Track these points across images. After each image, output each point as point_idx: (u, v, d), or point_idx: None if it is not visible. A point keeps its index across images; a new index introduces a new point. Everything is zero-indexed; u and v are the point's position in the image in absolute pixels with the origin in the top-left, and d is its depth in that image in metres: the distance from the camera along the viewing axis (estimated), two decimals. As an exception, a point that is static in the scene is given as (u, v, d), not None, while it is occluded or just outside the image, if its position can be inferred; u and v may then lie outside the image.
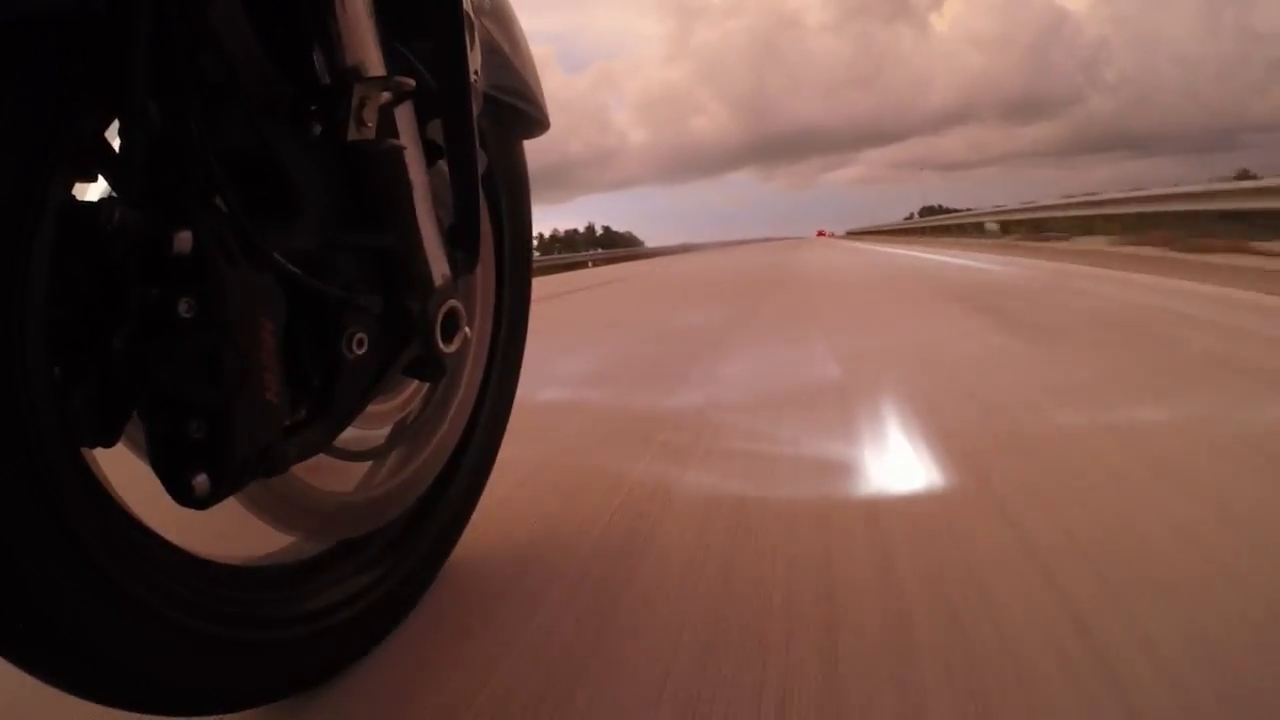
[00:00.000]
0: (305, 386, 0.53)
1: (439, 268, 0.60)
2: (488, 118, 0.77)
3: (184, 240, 0.43)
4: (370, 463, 0.73)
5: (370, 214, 0.55)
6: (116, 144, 0.46)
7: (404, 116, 0.55)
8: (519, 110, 0.84)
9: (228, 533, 0.60)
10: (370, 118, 0.51)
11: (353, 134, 0.50)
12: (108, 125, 0.47)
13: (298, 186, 0.50)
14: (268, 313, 0.48)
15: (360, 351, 0.54)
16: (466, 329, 0.64)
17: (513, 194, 0.88)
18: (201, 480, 0.45)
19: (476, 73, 0.62)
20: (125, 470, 0.51)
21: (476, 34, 0.63)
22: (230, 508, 0.55)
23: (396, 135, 0.54)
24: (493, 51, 0.76)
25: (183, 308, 0.43)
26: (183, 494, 0.45)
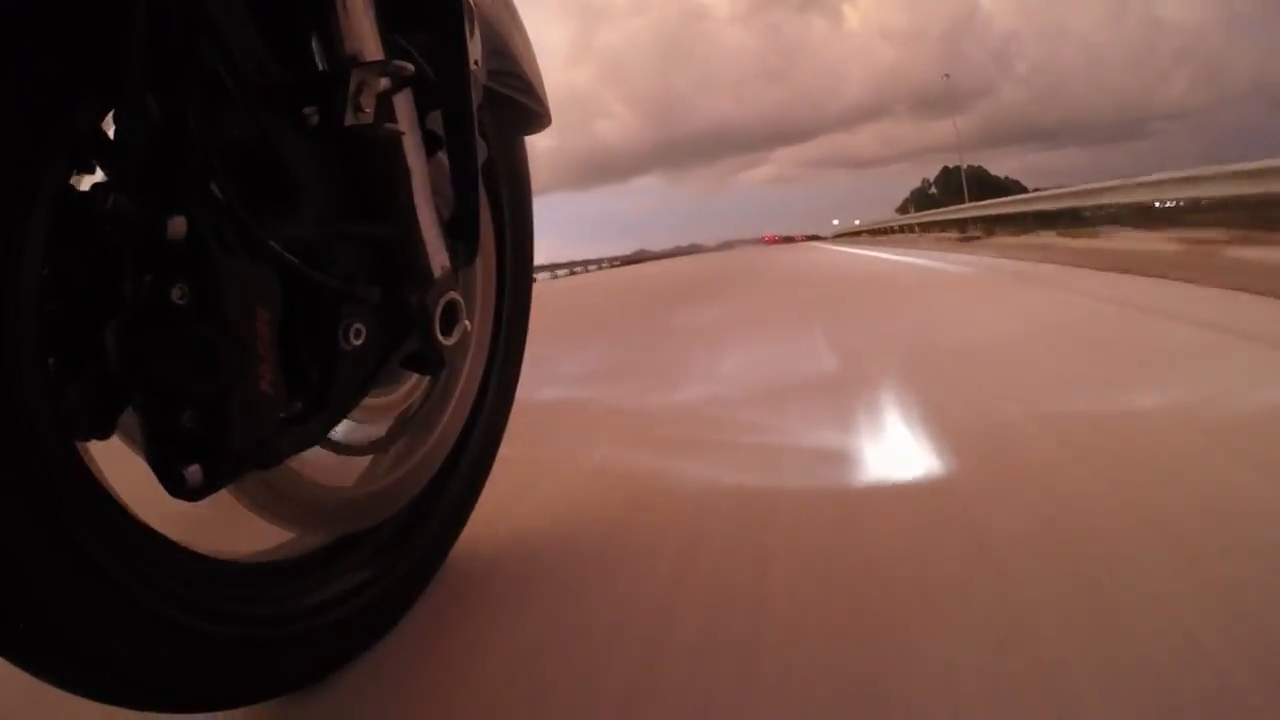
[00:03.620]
0: (301, 378, 0.52)
1: (438, 259, 0.59)
2: (488, 111, 0.76)
3: (178, 226, 0.43)
4: (369, 458, 0.72)
5: (368, 203, 0.54)
6: (112, 132, 0.45)
7: (402, 105, 0.54)
8: (520, 104, 0.83)
9: (226, 529, 0.59)
10: (368, 104, 0.50)
11: (350, 120, 0.50)
12: (104, 114, 0.46)
13: (295, 175, 0.49)
14: (264, 302, 0.47)
15: (358, 343, 0.53)
16: (466, 322, 0.63)
17: (514, 189, 0.88)
18: (194, 471, 0.44)
19: (477, 62, 0.61)
20: (124, 467, 0.50)
21: (477, 24, 0.62)
22: (228, 503, 0.54)
23: (395, 122, 0.53)
24: (494, 43, 0.75)
25: (176, 295, 0.43)
26: (175, 485, 0.44)
